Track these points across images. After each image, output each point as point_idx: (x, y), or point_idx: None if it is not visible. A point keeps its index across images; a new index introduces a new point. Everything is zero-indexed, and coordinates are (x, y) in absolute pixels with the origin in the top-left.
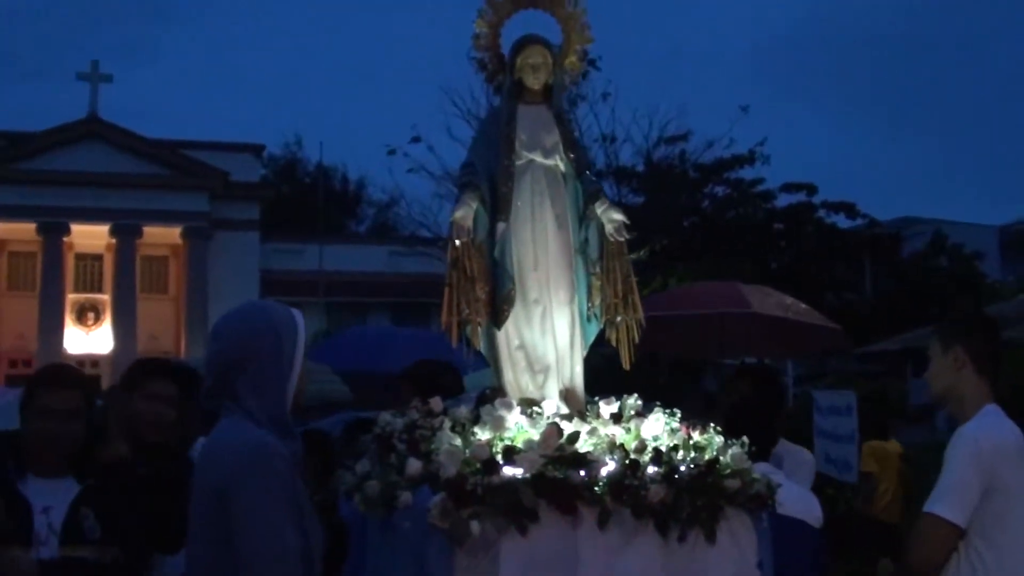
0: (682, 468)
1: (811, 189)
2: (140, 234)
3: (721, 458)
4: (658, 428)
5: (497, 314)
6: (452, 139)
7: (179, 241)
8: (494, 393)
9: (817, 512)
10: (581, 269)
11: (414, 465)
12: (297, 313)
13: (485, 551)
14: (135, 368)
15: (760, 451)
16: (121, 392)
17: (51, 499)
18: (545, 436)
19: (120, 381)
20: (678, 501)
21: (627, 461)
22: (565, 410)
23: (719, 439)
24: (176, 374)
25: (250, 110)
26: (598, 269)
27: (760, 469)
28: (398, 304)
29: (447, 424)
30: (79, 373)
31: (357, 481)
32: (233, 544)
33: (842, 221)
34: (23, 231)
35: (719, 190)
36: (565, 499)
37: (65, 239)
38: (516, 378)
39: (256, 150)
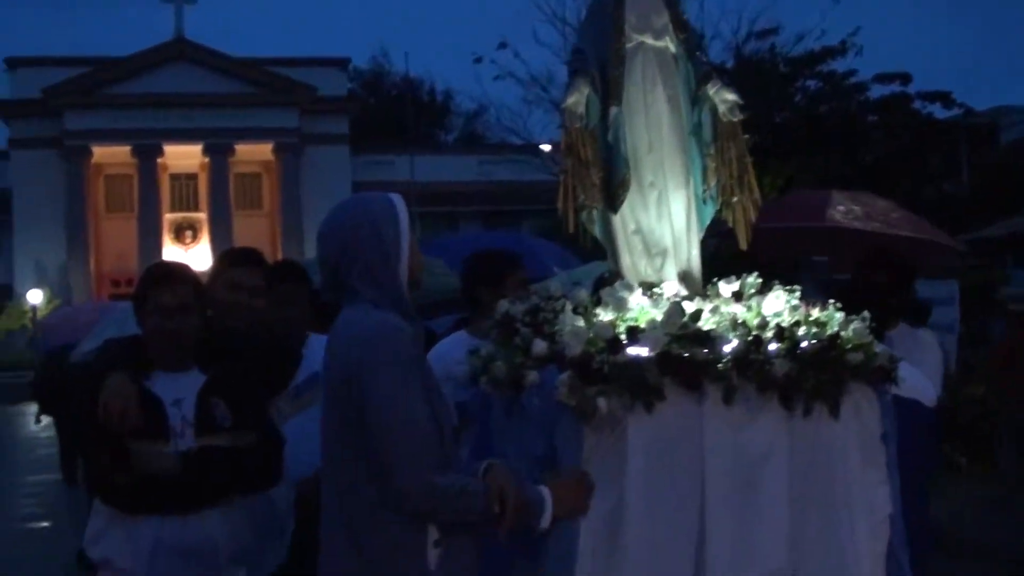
0: (804, 344)
1: (905, 78)
2: (232, 152)
3: (842, 333)
4: (779, 305)
5: (613, 199)
6: (539, 44)
7: (271, 157)
8: (612, 277)
9: (931, 393)
10: (695, 151)
11: (540, 345)
12: (395, 197)
13: (612, 428)
14: (218, 258)
15: (874, 331)
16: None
17: (180, 392)
18: (668, 315)
19: (209, 274)
20: (802, 375)
21: (750, 338)
22: (684, 292)
23: (839, 315)
24: (264, 264)
25: (334, 24)
26: (712, 151)
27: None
28: (489, 212)
29: (569, 306)
30: (188, 269)
31: (483, 363)
32: (365, 423)
33: (938, 111)
34: (118, 154)
35: (811, 84)
36: (690, 376)
37: (159, 160)
38: (634, 262)
39: (342, 64)
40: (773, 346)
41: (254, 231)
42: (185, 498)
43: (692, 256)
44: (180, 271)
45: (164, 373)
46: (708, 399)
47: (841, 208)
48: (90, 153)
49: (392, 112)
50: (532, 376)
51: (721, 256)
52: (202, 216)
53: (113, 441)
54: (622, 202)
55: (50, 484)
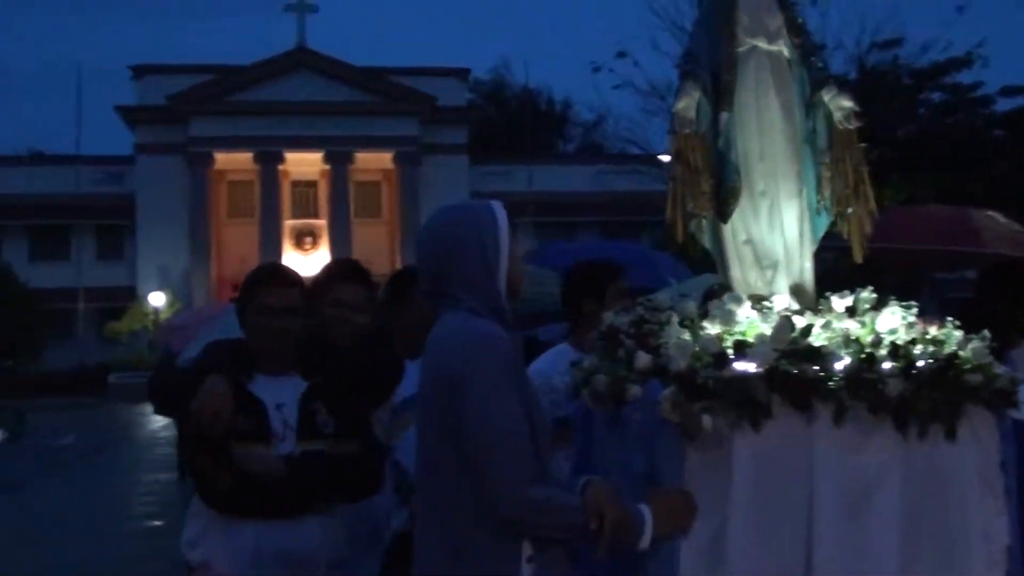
0: (920, 363)
1: None
2: (352, 160)
3: (961, 352)
4: (894, 322)
5: (722, 208)
6: (658, 53)
7: (390, 166)
8: (721, 289)
9: None
10: (809, 160)
11: (643, 358)
12: (496, 205)
13: (717, 446)
14: (323, 273)
15: (994, 351)
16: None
17: (281, 396)
18: (777, 329)
19: (311, 287)
20: (917, 396)
21: (863, 355)
22: (795, 306)
23: (958, 333)
24: (369, 280)
25: (455, 34)
26: (827, 159)
27: None
28: (607, 223)
29: (675, 319)
30: (294, 272)
31: (584, 376)
32: (462, 430)
33: None
34: (240, 161)
35: (935, 96)
36: (799, 394)
37: (280, 167)
38: (744, 274)
39: (462, 74)
40: (887, 365)
41: (372, 239)
42: (287, 502)
43: (804, 268)
44: (287, 272)
45: (266, 377)
46: (818, 419)
47: (991, 231)
48: (213, 159)
49: (511, 122)
50: (634, 390)
51: (840, 270)
52: (322, 223)
53: (215, 443)
54: (732, 211)
55: (167, 483)
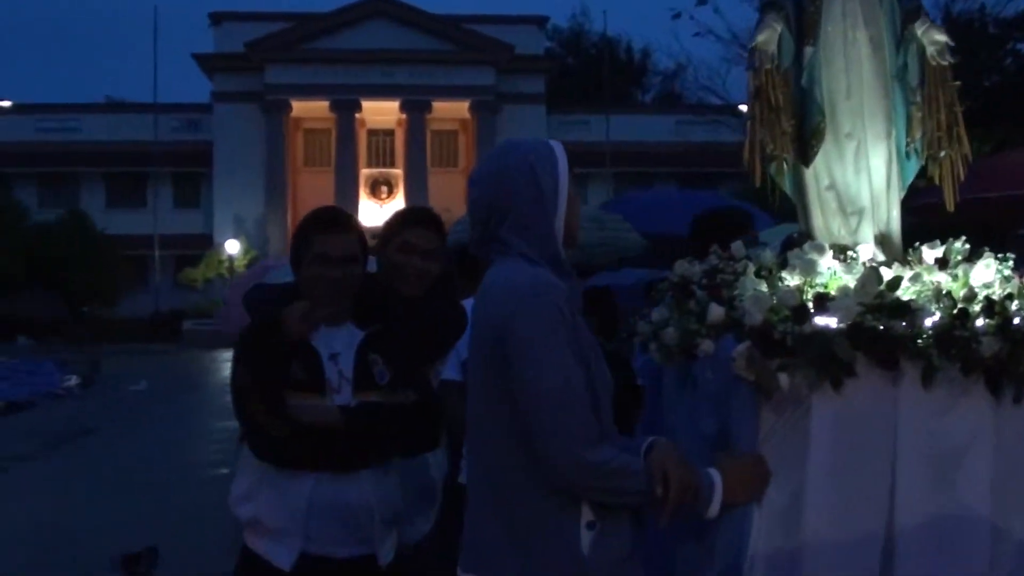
0: (1017, 320)
1: None
2: (429, 109)
3: None
4: (988, 275)
5: (805, 150)
6: None
7: (467, 115)
8: (801, 238)
9: None
10: (899, 98)
11: (716, 311)
12: (556, 144)
13: (794, 407)
14: (393, 218)
15: None
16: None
17: (336, 346)
18: (862, 281)
19: (382, 231)
20: (1013, 356)
21: (955, 311)
22: (881, 257)
23: None
24: (441, 226)
25: None
26: (918, 98)
27: None
28: (685, 174)
29: (751, 269)
30: (352, 217)
31: (653, 329)
32: (513, 387)
33: None
34: (316, 109)
35: (1022, 47)
36: (885, 352)
37: (357, 115)
38: (826, 222)
39: (540, 22)
40: (981, 322)
41: (449, 188)
42: (343, 455)
43: (892, 217)
44: (346, 218)
45: (320, 325)
46: (904, 379)
47: None
48: (289, 107)
49: (589, 71)
50: (706, 345)
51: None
52: (398, 172)
53: (271, 392)
54: (816, 153)
55: (235, 431)
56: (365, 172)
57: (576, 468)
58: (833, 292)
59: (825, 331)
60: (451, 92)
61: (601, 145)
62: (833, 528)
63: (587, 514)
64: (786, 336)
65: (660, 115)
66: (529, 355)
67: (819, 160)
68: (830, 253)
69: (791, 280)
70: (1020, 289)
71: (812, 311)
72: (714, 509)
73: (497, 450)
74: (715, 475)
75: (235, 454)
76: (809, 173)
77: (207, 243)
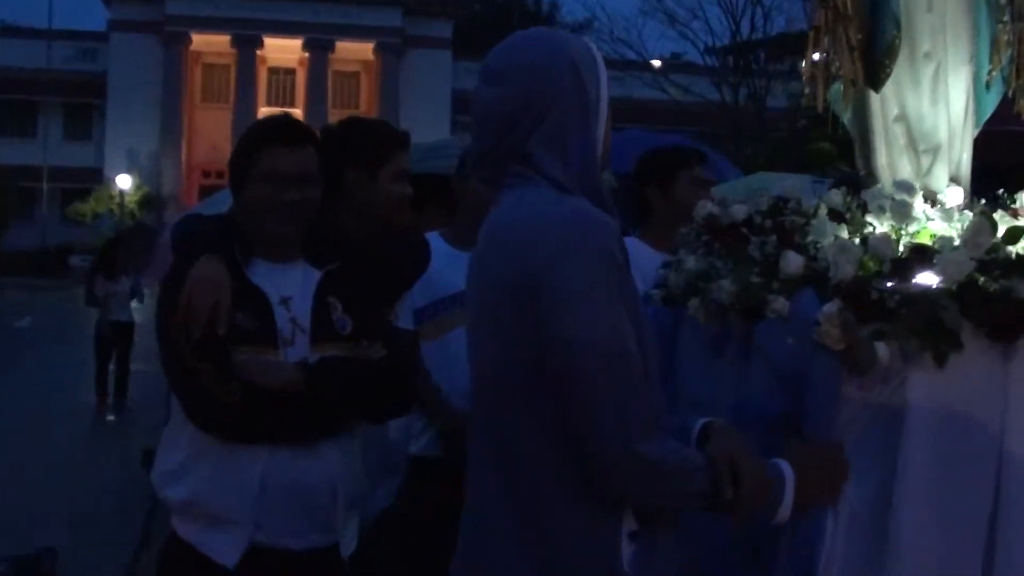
0: None
1: None
2: (332, 49)
3: None
4: None
5: (875, 71)
6: None
7: (371, 57)
8: (862, 180)
9: None
10: (984, 16)
11: (795, 261)
12: (591, 43)
13: (883, 384)
14: (379, 139)
15: None
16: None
17: (288, 287)
18: (973, 231)
19: (354, 154)
20: None
21: None
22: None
23: None
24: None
25: None
26: (1007, 17)
27: None
28: None
29: (823, 210)
30: (308, 126)
31: (691, 281)
32: (548, 354)
33: None
34: (217, 43)
35: None
36: (1004, 320)
37: (258, 52)
38: (891, 160)
39: None
40: None
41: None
42: (302, 423)
43: (964, 159)
44: (304, 128)
45: (265, 263)
46: (1017, 355)
47: None
48: (189, 40)
49: (497, 19)
50: (779, 304)
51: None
52: (298, 112)
53: (215, 348)
54: (888, 75)
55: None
56: (264, 111)
57: (631, 465)
58: (932, 244)
59: (932, 292)
60: (356, 32)
61: None
62: (927, 535)
63: (630, 522)
64: (884, 296)
65: None
66: (575, 316)
67: (889, 85)
68: (921, 196)
69: (879, 226)
70: None
71: (912, 266)
72: (784, 512)
73: (515, 440)
74: (785, 468)
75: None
76: (875, 100)
77: (98, 177)
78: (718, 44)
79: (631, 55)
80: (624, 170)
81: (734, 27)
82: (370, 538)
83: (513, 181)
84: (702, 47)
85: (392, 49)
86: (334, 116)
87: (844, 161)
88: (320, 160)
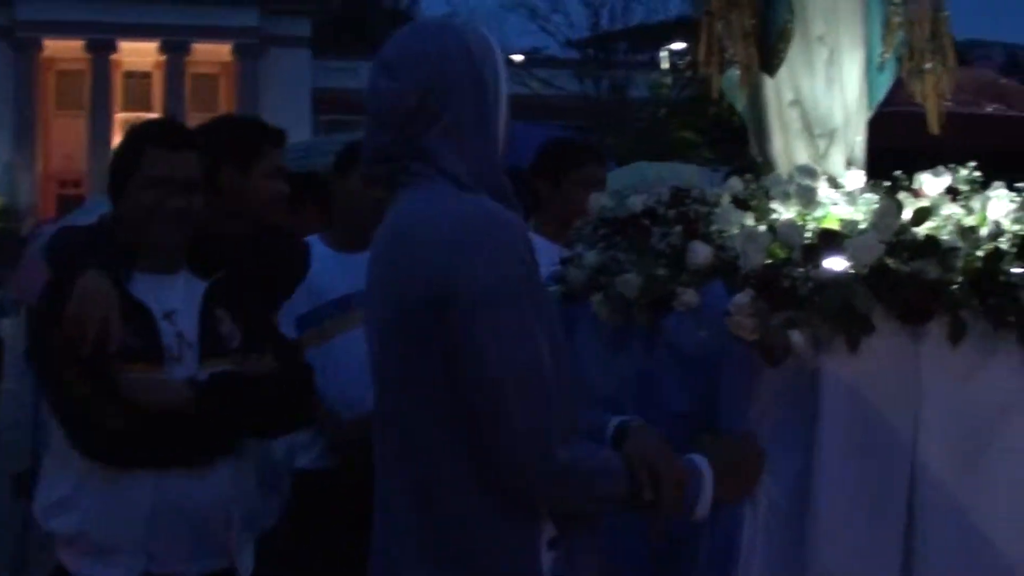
0: None
1: None
2: (189, 51)
3: None
4: (1003, 208)
5: (769, 56)
6: None
7: (229, 59)
8: (760, 167)
9: None
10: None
11: (702, 252)
12: (488, 33)
13: (795, 373)
14: (252, 135)
15: None
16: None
17: (171, 301)
18: (881, 214)
19: (227, 151)
20: None
21: (982, 251)
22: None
23: None
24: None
25: None
26: None
27: None
28: None
29: (726, 198)
30: (190, 130)
31: (589, 275)
32: (460, 364)
33: None
34: (70, 49)
35: None
36: (916, 302)
37: (113, 57)
38: (787, 145)
39: None
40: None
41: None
42: (193, 444)
43: (858, 141)
44: (187, 131)
45: (146, 275)
46: (928, 336)
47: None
48: (41, 46)
49: (356, 16)
50: (688, 296)
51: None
52: (155, 116)
53: (98, 368)
54: (782, 60)
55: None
56: (121, 116)
57: (547, 472)
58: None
59: (843, 277)
60: (213, 33)
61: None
62: (845, 523)
63: (549, 529)
64: (796, 283)
65: None
66: (485, 325)
67: (783, 70)
68: (824, 180)
69: (784, 212)
70: None
71: (822, 251)
72: (703, 509)
73: (426, 449)
74: (702, 464)
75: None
76: (770, 85)
77: None
78: (579, 37)
79: None
80: (512, 163)
81: (594, 19)
82: (260, 559)
83: (410, 179)
84: (563, 40)
85: (250, 50)
86: (193, 120)
87: (708, 149)
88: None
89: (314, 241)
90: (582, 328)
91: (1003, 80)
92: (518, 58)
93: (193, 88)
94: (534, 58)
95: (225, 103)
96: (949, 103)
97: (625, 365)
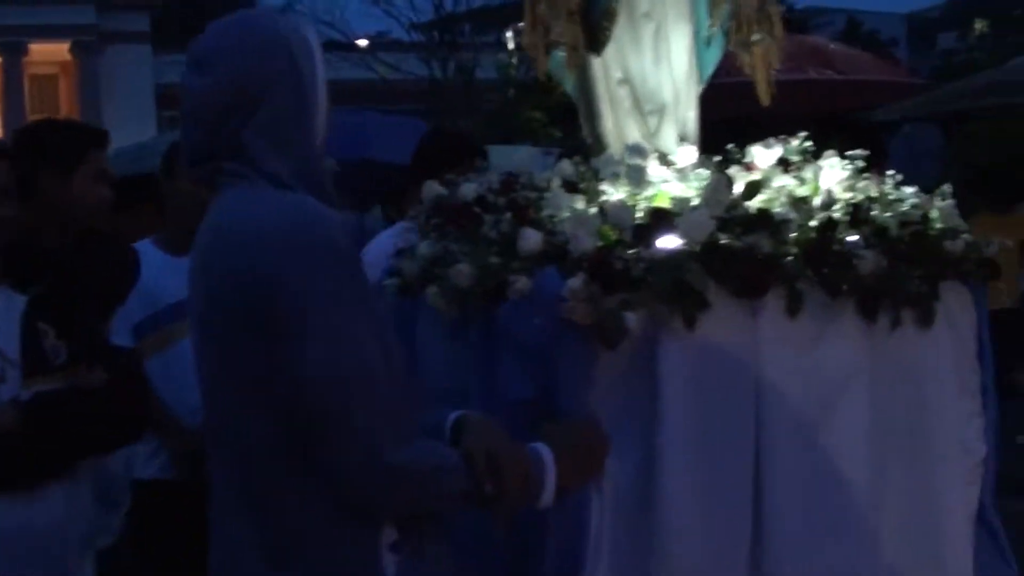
0: (889, 229)
1: None
2: (26, 52)
3: (931, 214)
4: (836, 177)
5: (595, 34)
6: None
7: (68, 57)
8: (593, 146)
9: None
10: None
11: (532, 238)
12: (305, 23)
13: (633, 354)
14: (73, 138)
15: None
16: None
17: None
18: (712, 190)
19: (47, 155)
20: (893, 273)
21: (816, 222)
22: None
23: (909, 189)
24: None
25: None
26: None
27: None
28: None
29: (556, 183)
30: (1, 139)
31: (421, 268)
32: (284, 363)
33: None
34: None
35: None
36: (751, 276)
37: None
38: (618, 124)
39: None
40: (851, 236)
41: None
42: (22, 468)
43: (690, 116)
44: None
45: None
46: (765, 309)
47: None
48: None
49: (195, 8)
50: (522, 283)
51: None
52: None
53: None
54: (608, 38)
55: None
56: None
57: (382, 477)
58: (670, 207)
59: (674, 255)
60: (49, 32)
61: None
62: (692, 502)
63: (390, 532)
64: (629, 264)
65: None
66: (309, 326)
67: (611, 48)
68: (655, 158)
69: (614, 193)
70: (883, 194)
71: (654, 230)
72: (548, 497)
73: (257, 457)
74: (544, 452)
75: None
76: (598, 64)
77: None
78: (422, 20)
79: (336, 36)
80: (358, 154)
81: (437, 1)
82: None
83: (229, 179)
84: (407, 24)
85: (88, 47)
86: (33, 120)
87: (557, 128)
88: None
89: (146, 245)
90: (422, 321)
91: (832, 46)
92: (363, 43)
93: (32, 89)
94: (379, 42)
95: (66, 103)
96: (779, 71)
97: (465, 356)
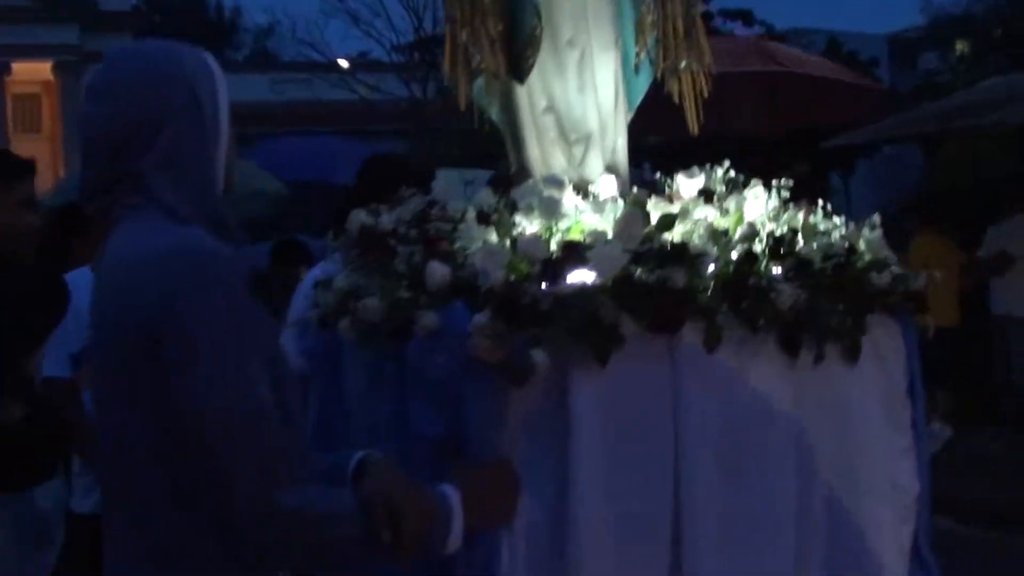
0: (812, 262)
1: None
2: (9, 71)
3: (859, 245)
4: (760, 208)
5: (518, 62)
6: None
7: (51, 77)
8: (517, 175)
9: None
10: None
11: (439, 272)
12: (208, 54)
13: (546, 392)
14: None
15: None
16: None
17: None
18: (626, 223)
19: None
20: (815, 307)
21: (736, 255)
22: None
23: (838, 220)
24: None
25: None
26: None
27: None
28: (284, 133)
29: (471, 213)
30: None
31: (338, 300)
32: (174, 409)
33: (739, 29)
34: None
35: None
36: (665, 311)
37: None
38: (544, 153)
39: None
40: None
41: (33, 155)
42: None
43: (619, 145)
44: None
45: None
46: (682, 344)
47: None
48: None
49: (177, 30)
50: (427, 319)
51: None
52: None
53: None
54: (531, 66)
55: None
56: None
57: (270, 521)
58: (585, 239)
59: (585, 289)
60: (33, 52)
61: None
62: (607, 538)
63: None
64: (537, 299)
65: (253, 74)
66: (199, 364)
67: (535, 76)
68: (571, 189)
69: (528, 226)
70: (808, 225)
71: (566, 264)
72: (455, 541)
73: (148, 495)
74: (451, 494)
75: None
76: (522, 92)
77: None
78: (402, 41)
79: (316, 56)
80: (316, 177)
81: (417, 23)
82: None
83: (125, 212)
84: (388, 45)
85: (71, 67)
86: (16, 141)
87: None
88: None
89: (84, 273)
90: (345, 354)
91: (771, 44)
92: (344, 63)
93: (15, 109)
94: (359, 63)
95: (49, 123)
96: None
97: (381, 392)
